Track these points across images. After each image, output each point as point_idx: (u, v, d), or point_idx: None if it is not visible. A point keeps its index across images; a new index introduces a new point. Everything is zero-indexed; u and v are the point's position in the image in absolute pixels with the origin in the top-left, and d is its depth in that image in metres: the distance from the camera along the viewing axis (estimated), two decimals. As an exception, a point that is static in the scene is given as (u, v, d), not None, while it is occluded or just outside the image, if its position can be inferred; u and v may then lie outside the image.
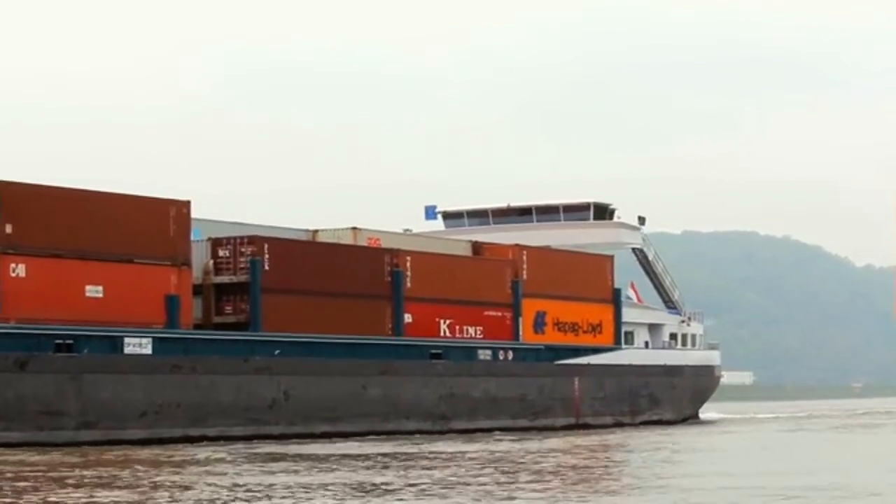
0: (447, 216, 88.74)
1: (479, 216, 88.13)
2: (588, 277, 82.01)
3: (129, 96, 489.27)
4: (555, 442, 60.16)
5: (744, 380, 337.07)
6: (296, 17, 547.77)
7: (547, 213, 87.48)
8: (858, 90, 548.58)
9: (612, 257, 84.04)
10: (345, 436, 65.59)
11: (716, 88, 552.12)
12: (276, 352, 65.14)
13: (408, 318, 71.16)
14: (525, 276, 77.46)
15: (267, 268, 65.26)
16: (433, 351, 72.17)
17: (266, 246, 65.54)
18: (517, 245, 78.32)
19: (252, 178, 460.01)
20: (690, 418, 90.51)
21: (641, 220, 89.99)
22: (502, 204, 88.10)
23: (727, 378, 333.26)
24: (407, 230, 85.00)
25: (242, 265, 65.05)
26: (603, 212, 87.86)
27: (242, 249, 65.35)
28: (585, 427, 78.84)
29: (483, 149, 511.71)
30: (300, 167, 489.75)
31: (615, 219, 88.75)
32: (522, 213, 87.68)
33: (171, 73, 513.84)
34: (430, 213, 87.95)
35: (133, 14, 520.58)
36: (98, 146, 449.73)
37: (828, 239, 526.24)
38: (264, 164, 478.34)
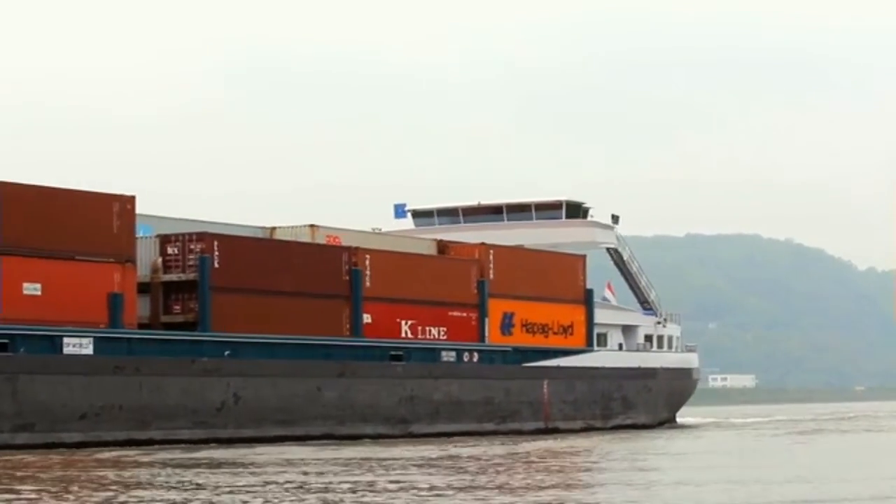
0: (416, 215, 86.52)
1: (450, 215, 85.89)
2: (559, 277, 79.79)
3: (127, 98, 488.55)
4: (501, 449, 57.85)
5: (746, 383, 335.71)
6: (295, 18, 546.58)
7: (518, 211, 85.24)
8: (862, 93, 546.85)
9: (584, 257, 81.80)
10: (299, 439, 63.59)
11: (719, 91, 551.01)
12: (226, 352, 63.05)
13: (367, 318, 69.01)
14: (492, 276, 75.27)
15: (217, 265, 63.18)
16: (393, 352, 70.00)
17: (216, 243, 63.43)
18: (483, 244, 76.13)
19: (253, 180, 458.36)
20: (667, 422, 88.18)
21: (615, 218, 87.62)
22: (473, 202, 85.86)
23: (730, 382, 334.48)
24: (376, 229, 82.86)
25: (191, 263, 62.97)
26: (576, 210, 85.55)
27: (192, 246, 63.28)
28: (554, 431, 76.59)
29: (484, 151, 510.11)
30: (300, 168, 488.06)
31: (589, 218, 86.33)
32: (493, 212, 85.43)
33: (172, 75, 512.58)
34: (400, 211, 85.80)
35: (130, 15, 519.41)
36: (97, 149, 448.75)
37: (830, 242, 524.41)
38: (265, 165, 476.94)
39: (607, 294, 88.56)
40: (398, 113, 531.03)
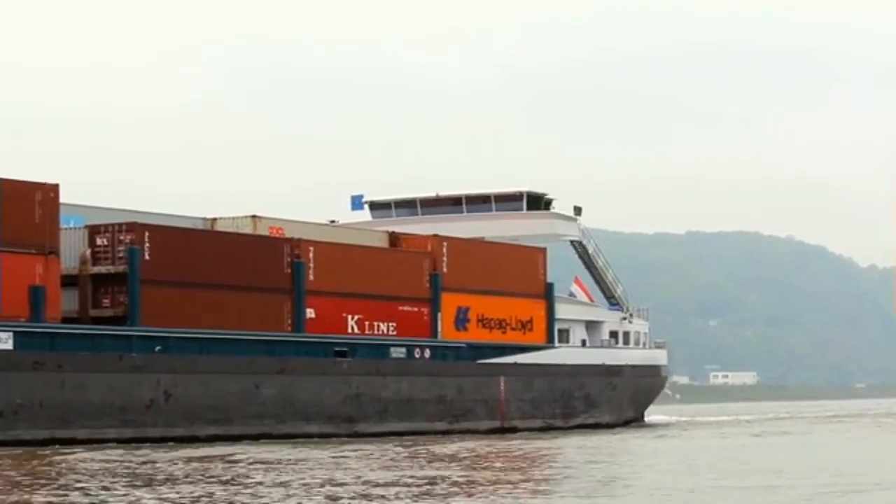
0: (374, 206, 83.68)
1: (407, 206, 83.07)
2: (517, 271, 76.96)
3: (127, 96, 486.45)
4: (439, 448, 55.09)
5: (747, 380, 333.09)
6: (295, 16, 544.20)
7: (478, 203, 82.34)
8: (863, 89, 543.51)
9: (544, 250, 78.95)
10: (234, 439, 60.90)
11: (719, 88, 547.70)
12: (157, 348, 60.33)
13: (310, 312, 66.26)
14: (445, 269, 72.47)
15: (147, 257, 60.48)
16: (338, 348, 67.21)
17: (147, 234, 60.71)
18: (436, 236, 73.30)
19: (253, 178, 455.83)
20: (633, 421, 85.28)
21: (577, 210, 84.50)
22: (431, 193, 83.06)
23: (731, 379, 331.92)
24: (333, 221, 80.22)
25: (121, 254, 60.25)
26: (537, 202, 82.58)
27: (121, 237, 60.57)
28: (511, 431, 73.84)
29: (484, 149, 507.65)
30: (299, 167, 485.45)
31: (552, 209, 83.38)
32: (452, 204, 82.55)
33: (172, 73, 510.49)
34: (357, 203, 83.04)
35: (129, 13, 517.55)
36: (98, 147, 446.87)
37: (831, 239, 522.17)
38: (265, 164, 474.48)
39: (575, 289, 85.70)
40: (399, 111, 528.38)
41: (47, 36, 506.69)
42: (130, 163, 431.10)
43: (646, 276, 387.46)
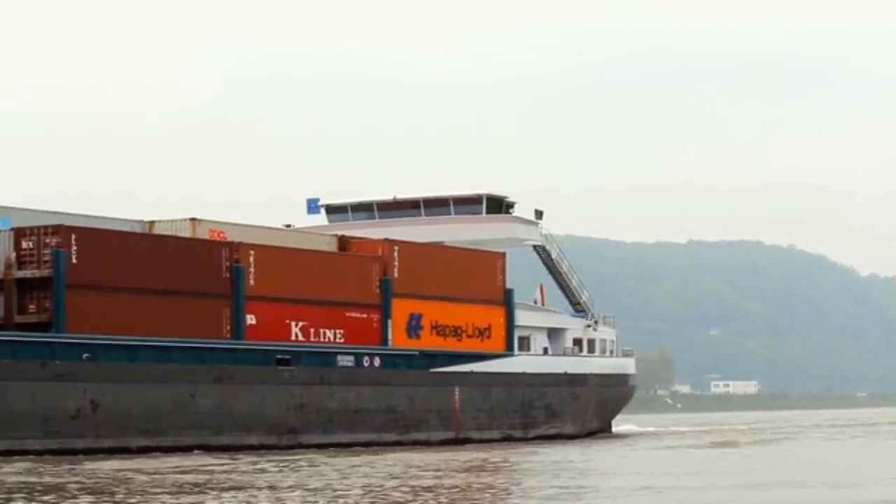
0: (330, 210, 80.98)
1: (364, 210, 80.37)
2: (474, 276, 74.25)
3: (128, 103, 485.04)
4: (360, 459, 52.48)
5: (748, 389, 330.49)
6: (296, 23, 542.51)
7: (436, 206, 79.54)
8: (864, 97, 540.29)
9: (503, 254, 76.25)
10: (168, 451, 58.34)
11: (720, 95, 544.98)
12: (84, 355, 57.73)
13: (250, 319, 63.66)
14: (396, 275, 69.80)
15: (75, 261, 57.94)
16: (280, 356, 64.54)
17: (73, 236, 58.16)
18: (387, 240, 70.62)
19: (253, 185, 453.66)
20: (598, 432, 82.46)
21: (539, 213, 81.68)
22: (388, 197, 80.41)
23: (732, 388, 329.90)
24: (288, 225, 77.64)
25: (47, 258, 57.75)
26: (498, 205, 79.80)
27: (47, 240, 58.04)
28: (466, 442, 71.18)
29: (485, 156, 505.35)
30: (300, 174, 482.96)
31: (512, 213, 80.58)
32: (410, 207, 79.82)
33: (173, 80, 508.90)
34: (313, 206, 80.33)
35: (129, 20, 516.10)
36: (99, 156, 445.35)
37: (832, 248, 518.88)
38: (266, 170, 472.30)
39: (538, 296, 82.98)
40: (400, 118, 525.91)
41: (46, 44, 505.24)
42: (131, 168, 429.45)
43: (647, 285, 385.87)
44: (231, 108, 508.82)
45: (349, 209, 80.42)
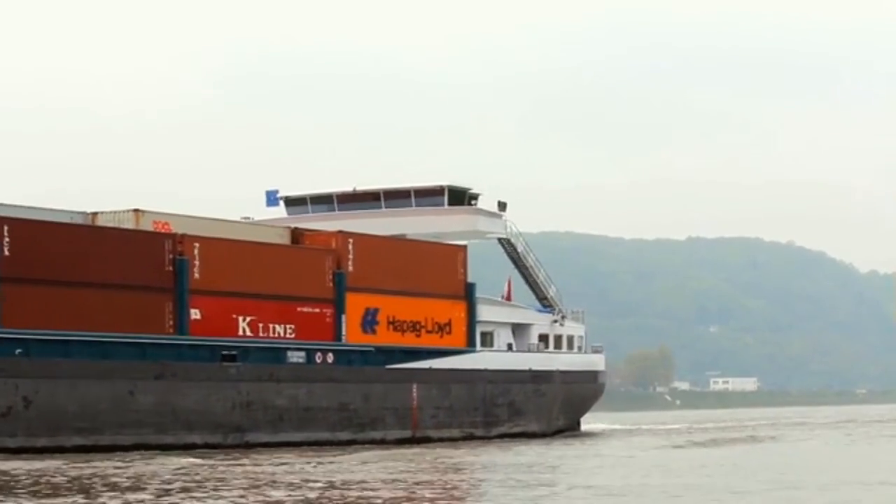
0: (289, 202, 78.66)
1: (324, 202, 78.02)
2: (434, 270, 71.94)
3: (126, 102, 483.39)
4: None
5: (748, 386, 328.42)
6: (293, 22, 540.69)
7: (397, 198, 77.17)
8: (864, 93, 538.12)
9: (464, 247, 73.99)
10: (106, 450, 56.23)
11: (720, 92, 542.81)
12: (17, 351, 55.61)
13: (195, 313, 61.47)
14: (351, 268, 67.54)
15: (7, 253, 55.83)
16: (226, 352, 62.34)
17: (6, 228, 56.01)
18: (341, 232, 68.39)
19: (253, 184, 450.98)
20: (566, 430, 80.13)
21: (502, 205, 79.15)
22: (348, 188, 78.12)
23: (731, 385, 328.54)
24: (246, 218, 75.51)
25: (-21, 251, 55.61)
26: (460, 197, 77.36)
27: (-22, 233, 55.89)
28: (425, 441, 68.99)
29: (486, 153, 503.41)
30: (300, 173, 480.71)
31: (476, 205, 78.12)
32: (370, 199, 77.50)
33: (171, 79, 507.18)
34: (272, 198, 78.08)
35: (128, 18, 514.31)
36: (94, 152, 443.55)
37: (832, 244, 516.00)
38: (264, 168, 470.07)
39: (504, 292, 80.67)
40: (400, 117, 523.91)
41: (43, 42, 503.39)
42: (129, 166, 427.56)
43: (646, 281, 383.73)
44: (230, 106, 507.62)
45: (308, 201, 78.16)
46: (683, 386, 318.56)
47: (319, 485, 37.64)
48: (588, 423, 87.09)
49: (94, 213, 63.44)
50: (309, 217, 76.69)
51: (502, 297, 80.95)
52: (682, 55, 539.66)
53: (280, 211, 78.29)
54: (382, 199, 76.97)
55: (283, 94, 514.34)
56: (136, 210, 62.94)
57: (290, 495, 33.95)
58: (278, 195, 78.20)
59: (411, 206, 76.70)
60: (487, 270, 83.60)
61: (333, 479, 39.79)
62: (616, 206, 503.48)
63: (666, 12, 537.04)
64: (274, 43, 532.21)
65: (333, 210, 77.38)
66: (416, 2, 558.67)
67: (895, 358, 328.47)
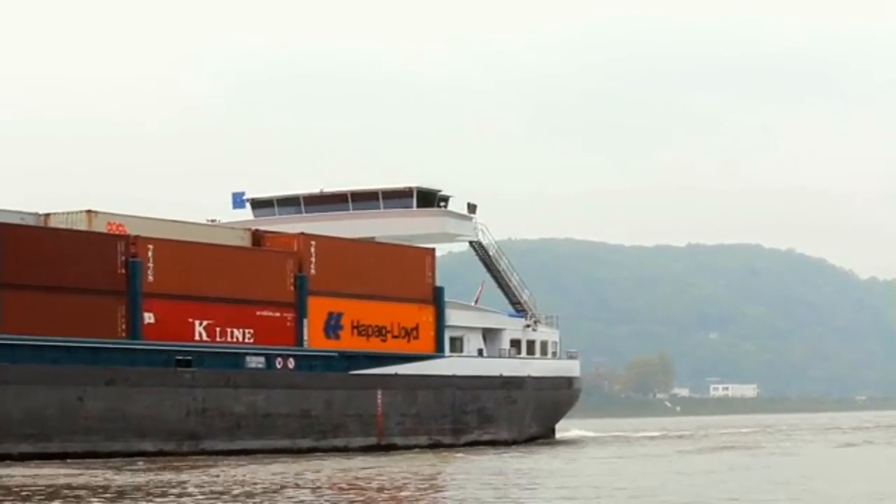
0: (256, 204, 76.84)
1: (291, 204, 76.20)
2: (401, 273, 70.15)
3: (128, 107, 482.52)
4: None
5: (747, 392, 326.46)
6: (295, 25, 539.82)
7: (365, 200, 75.26)
8: (864, 100, 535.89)
9: (432, 250, 72.21)
10: (54, 457, 54.55)
11: (720, 98, 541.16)
12: (-39, 356, 53.96)
13: (148, 317, 59.77)
14: (313, 271, 65.83)
15: (-50, 255, 54.19)
16: (180, 356, 60.59)
17: (-49, 229, 54.42)
18: (303, 234, 66.64)
19: (254, 188, 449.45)
20: (539, 437, 78.21)
21: (472, 207, 77.20)
22: (315, 190, 76.31)
23: (731, 391, 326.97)
24: (212, 220, 73.71)
25: (-79, 252, 53.99)
26: (430, 198, 75.42)
27: (-77, 234, 54.28)
28: (390, 448, 67.22)
29: (490, 159, 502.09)
30: (301, 177, 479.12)
31: (445, 207, 76.17)
32: (337, 201, 75.66)
33: (172, 85, 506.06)
34: (238, 200, 76.34)
35: (130, 24, 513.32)
36: (100, 160, 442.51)
37: (832, 251, 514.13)
38: (264, 170, 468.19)
39: (477, 296, 78.94)
40: (401, 121, 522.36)
41: (47, 49, 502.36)
42: (131, 172, 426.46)
43: (646, 288, 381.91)
44: (231, 110, 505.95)
45: (275, 203, 76.40)
46: (683, 392, 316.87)
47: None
48: (565, 430, 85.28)
49: (47, 215, 61.74)
50: (276, 219, 75.02)
51: (475, 301, 79.22)
52: (682, 61, 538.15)
53: (247, 213, 76.56)
54: (350, 200, 75.19)
55: (284, 97, 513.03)
56: (89, 211, 61.26)
57: None
58: (245, 197, 76.46)
59: (379, 207, 74.93)
60: (463, 275, 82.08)
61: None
62: (616, 213, 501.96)
63: (666, 18, 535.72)
64: (274, 47, 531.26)
65: (301, 212, 75.64)
66: (417, 6, 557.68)
67: (895, 364, 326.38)
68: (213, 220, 73.76)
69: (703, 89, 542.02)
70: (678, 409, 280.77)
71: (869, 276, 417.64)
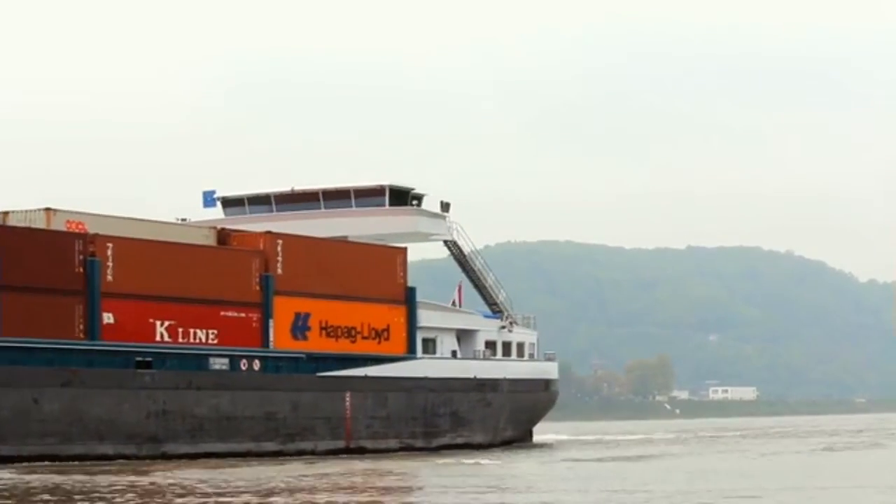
0: (227, 203, 75.40)
1: (262, 203, 74.81)
2: (371, 273, 68.70)
3: (128, 111, 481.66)
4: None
5: (747, 395, 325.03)
6: (295, 30, 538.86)
7: (336, 198, 73.80)
8: (864, 101, 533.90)
9: (404, 250, 70.68)
10: (8, 461, 53.21)
11: (719, 102, 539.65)
12: (-90, 357, 52.63)
13: (108, 317, 58.39)
14: (280, 271, 64.42)
15: None
16: (140, 358, 59.18)
17: None
18: (269, 233, 65.24)
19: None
20: (516, 441, 76.71)
21: (445, 205, 75.57)
22: (286, 188, 74.91)
23: (731, 394, 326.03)
24: (182, 219, 72.41)
25: None
26: (402, 197, 73.96)
27: None
28: (359, 452, 65.85)
29: (485, 162, 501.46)
30: (298, 174, 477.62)
31: (417, 206, 74.67)
32: (309, 199, 74.22)
33: (173, 89, 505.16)
34: (209, 199, 74.90)
35: (129, 28, 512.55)
36: (97, 162, 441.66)
37: (831, 254, 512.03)
38: (264, 173, 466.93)
39: (456, 297, 77.54)
40: (401, 124, 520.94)
41: (47, 52, 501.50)
42: (131, 175, 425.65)
43: (646, 291, 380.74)
44: (232, 113, 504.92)
45: (246, 202, 75.01)
46: (683, 395, 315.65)
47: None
48: (543, 433, 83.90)
49: (6, 213, 60.48)
50: (247, 218, 73.69)
51: (452, 303, 77.81)
52: (682, 63, 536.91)
53: (218, 212, 75.18)
54: (322, 199, 73.75)
55: (285, 101, 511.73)
56: (48, 209, 59.97)
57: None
58: (215, 196, 75.05)
59: (351, 206, 73.51)
60: (443, 277, 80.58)
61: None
62: (616, 215, 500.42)
63: (667, 20, 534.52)
64: (275, 49, 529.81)
65: (272, 211, 74.28)
66: (417, 11, 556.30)
67: (894, 367, 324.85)
68: (183, 220, 72.50)
69: (703, 93, 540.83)
70: (678, 411, 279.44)
71: (868, 278, 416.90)
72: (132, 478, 45.14)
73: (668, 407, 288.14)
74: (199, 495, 37.31)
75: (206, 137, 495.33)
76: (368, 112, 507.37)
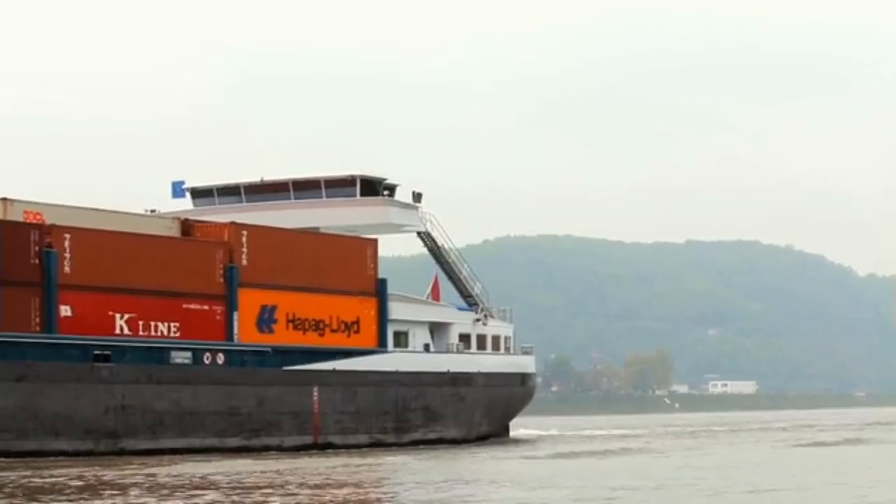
0: (196, 194, 73.99)
1: (232, 193, 73.40)
2: (340, 265, 67.21)
3: (127, 107, 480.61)
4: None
5: (746, 389, 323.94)
6: (295, 25, 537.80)
7: (306, 188, 72.39)
8: (862, 97, 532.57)
9: (375, 241, 69.18)
10: (-41, 457, 51.94)
11: (719, 96, 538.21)
12: None
13: (65, 310, 56.94)
14: (245, 262, 63.00)
15: None
16: (98, 351, 57.76)
17: None
18: (234, 223, 63.81)
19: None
20: (491, 436, 75.28)
21: (417, 196, 74.05)
22: (256, 179, 73.50)
23: (730, 388, 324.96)
24: (151, 210, 70.98)
25: None
26: (374, 187, 72.51)
27: None
28: (327, 447, 64.49)
29: (485, 156, 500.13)
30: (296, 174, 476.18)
31: (387, 196, 73.20)
32: (279, 190, 72.84)
33: (172, 83, 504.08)
34: (178, 190, 73.47)
35: (129, 22, 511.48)
36: (102, 157, 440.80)
37: (830, 248, 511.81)
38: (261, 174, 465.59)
39: (429, 290, 76.09)
40: (401, 119, 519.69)
41: (46, 48, 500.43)
42: (130, 171, 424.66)
43: (645, 285, 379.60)
44: (231, 109, 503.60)
45: (215, 193, 73.60)
46: (682, 389, 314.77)
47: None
48: (522, 427, 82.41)
49: (-39, 205, 58.99)
50: (215, 209, 72.31)
51: (427, 296, 76.35)
52: (681, 58, 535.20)
53: (186, 203, 73.78)
54: (291, 189, 72.36)
55: (282, 97, 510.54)
56: (3, 199, 58.52)
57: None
58: (184, 186, 73.65)
59: (321, 196, 72.07)
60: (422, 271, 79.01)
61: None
62: (615, 209, 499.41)
63: (666, 15, 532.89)
64: (274, 45, 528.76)
65: (241, 202, 72.87)
66: (415, 5, 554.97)
67: (894, 361, 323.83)
68: (152, 211, 71.09)
69: (703, 86, 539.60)
70: (677, 405, 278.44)
71: (868, 272, 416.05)
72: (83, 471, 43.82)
73: (667, 401, 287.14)
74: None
75: (206, 131, 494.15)
76: (368, 107, 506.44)
